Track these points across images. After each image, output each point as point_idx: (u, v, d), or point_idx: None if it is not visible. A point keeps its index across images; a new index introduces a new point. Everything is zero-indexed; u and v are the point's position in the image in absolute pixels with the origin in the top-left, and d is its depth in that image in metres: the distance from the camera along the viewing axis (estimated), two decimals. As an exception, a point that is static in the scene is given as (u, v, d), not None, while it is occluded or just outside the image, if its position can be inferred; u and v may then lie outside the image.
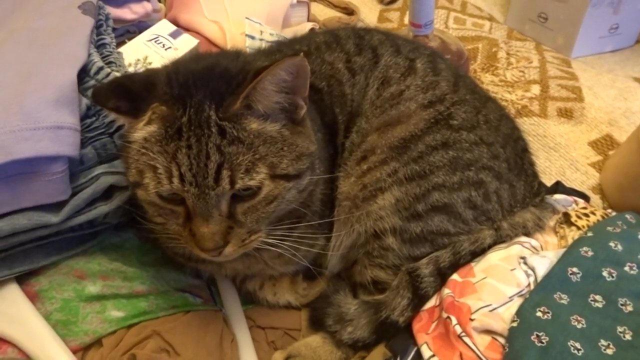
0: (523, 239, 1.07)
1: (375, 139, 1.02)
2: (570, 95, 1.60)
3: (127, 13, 1.55)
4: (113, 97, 0.78)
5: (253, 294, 1.08)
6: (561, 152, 1.46)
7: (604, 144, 1.47)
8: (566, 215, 1.19)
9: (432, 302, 1.01)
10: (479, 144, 1.05)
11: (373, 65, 1.10)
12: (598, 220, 1.17)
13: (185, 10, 1.69)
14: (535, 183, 1.16)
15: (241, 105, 0.77)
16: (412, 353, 0.96)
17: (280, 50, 1.14)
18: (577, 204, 1.23)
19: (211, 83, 0.80)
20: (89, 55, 0.99)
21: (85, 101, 0.94)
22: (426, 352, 0.93)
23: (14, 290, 0.91)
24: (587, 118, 1.53)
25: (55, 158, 0.84)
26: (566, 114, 1.55)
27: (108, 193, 0.94)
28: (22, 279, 0.94)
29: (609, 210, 1.21)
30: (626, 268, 0.96)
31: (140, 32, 1.50)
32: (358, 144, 1.03)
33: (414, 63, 1.11)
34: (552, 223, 1.18)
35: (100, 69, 0.98)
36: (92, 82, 0.96)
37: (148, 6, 1.59)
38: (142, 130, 0.79)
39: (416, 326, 0.99)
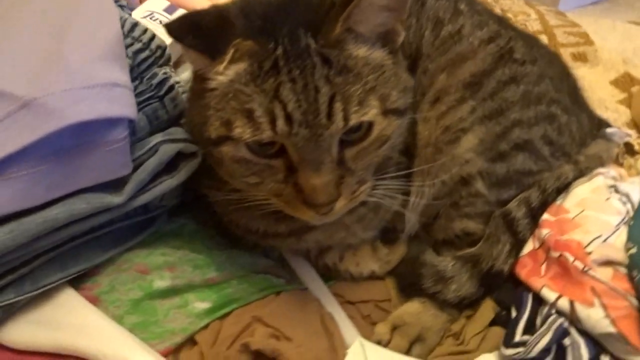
0: (602, 169, 1.02)
1: (444, 78, 0.94)
2: (579, 41, 1.59)
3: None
4: (189, 32, 0.66)
5: (333, 268, 0.96)
6: (587, 94, 1.43)
7: (625, 82, 1.47)
8: (628, 146, 1.17)
9: (529, 247, 0.93)
10: (544, 77, 1.01)
11: (420, 7, 1.03)
12: (658, 146, 1.15)
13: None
14: (595, 115, 1.12)
15: (342, 28, 0.67)
16: (529, 300, 0.87)
17: None
18: (630, 136, 1.20)
19: (296, 12, 0.69)
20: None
21: (127, 60, 0.79)
22: (549, 294, 0.84)
23: (72, 296, 0.75)
24: (602, 60, 1.53)
25: (115, 122, 0.69)
26: (581, 58, 1.54)
27: (170, 165, 0.79)
28: (74, 284, 0.77)
29: (659, 138, 1.20)
30: None
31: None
32: (427, 85, 0.95)
33: (457, 4, 1.05)
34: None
35: (135, 25, 0.83)
36: (129, 40, 0.81)
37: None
38: (225, 73, 0.68)
39: (523, 272, 0.90)
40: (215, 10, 0.71)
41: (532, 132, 0.95)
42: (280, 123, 0.64)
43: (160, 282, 0.80)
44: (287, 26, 0.67)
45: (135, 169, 0.75)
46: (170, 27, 0.66)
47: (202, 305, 0.78)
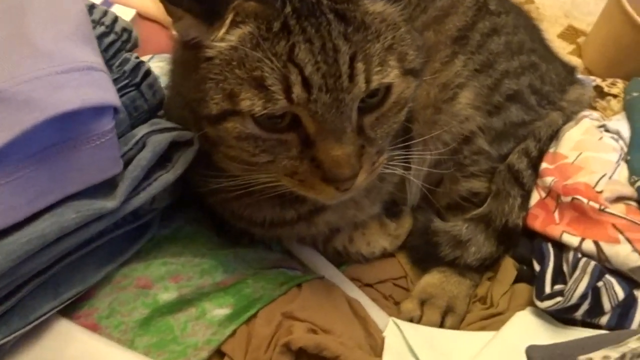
0: (585, 112, 1.03)
1: (432, 35, 0.90)
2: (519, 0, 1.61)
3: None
4: None
5: (343, 252, 0.89)
6: (539, 49, 1.46)
7: (570, 34, 1.51)
8: (597, 88, 1.19)
9: (535, 197, 0.92)
10: (518, 27, 1.01)
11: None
12: (624, 87, 1.18)
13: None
14: (565, 62, 1.13)
15: None
16: (551, 250, 0.85)
17: None
18: (595, 80, 1.23)
19: None
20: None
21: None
22: (571, 239, 0.83)
23: (69, 328, 0.63)
24: (546, 15, 1.57)
25: (100, 111, 0.59)
26: (525, 15, 1.56)
27: (163, 159, 0.69)
28: (67, 311, 0.65)
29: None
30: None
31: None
32: None
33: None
34: (585, 99, 1.15)
35: (92, 7, 0.72)
36: (102, 28, 0.70)
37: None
38: (227, 38, 0.59)
39: (537, 223, 0.88)
40: None
41: (520, 81, 0.94)
42: (297, 89, 0.56)
43: (166, 295, 0.70)
44: None
45: (126, 166, 0.64)
46: None
47: (222, 312, 0.69)
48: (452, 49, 0.89)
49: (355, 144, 0.61)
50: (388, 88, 0.63)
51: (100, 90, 0.58)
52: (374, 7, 0.62)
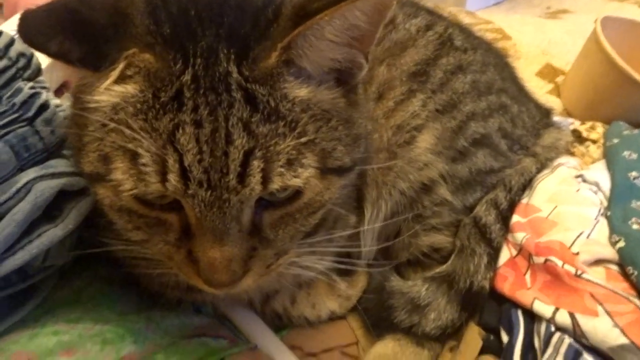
0: (562, 160, 0.95)
1: (385, 70, 0.81)
2: (496, 36, 1.56)
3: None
4: (59, 33, 0.44)
5: (284, 315, 0.77)
6: (516, 87, 1.39)
7: (549, 73, 1.45)
8: (575, 133, 1.10)
9: (505, 255, 0.81)
10: (487, 65, 0.93)
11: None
12: (604, 131, 1.10)
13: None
14: (540, 103, 1.05)
15: (279, 59, 0.48)
16: (521, 318, 0.74)
17: None
18: (573, 124, 1.15)
19: (226, 17, 0.50)
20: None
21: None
22: (544, 308, 0.72)
23: None
24: (523, 53, 1.51)
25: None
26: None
27: (52, 210, 0.57)
28: None
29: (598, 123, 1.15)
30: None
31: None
32: (367, 81, 0.81)
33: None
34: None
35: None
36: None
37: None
38: (110, 92, 0.47)
39: (505, 287, 0.78)
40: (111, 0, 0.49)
41: (488, 124, 0.85)
42: (173, 178, 0.45)
43: (54, 375, 0.57)
44: (208, 37, 0.48)
45: (0, 220, 0.52)
46: (25, 24, 0.44)
47: (117, 399, 0.56)
48: (409, 85, 0.80)
49: (242, 247, 0.50)
50: (301, 187, 0.50)
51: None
52: (298, 92, 0.50)
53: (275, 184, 0.47)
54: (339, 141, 0.52)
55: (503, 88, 0.92)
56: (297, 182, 0.48)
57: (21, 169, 0.59)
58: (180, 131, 0.45)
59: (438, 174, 0.79)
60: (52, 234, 0.55)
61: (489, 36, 1.56)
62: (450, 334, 0.77)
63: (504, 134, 0.88)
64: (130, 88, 0.46)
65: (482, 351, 0.75)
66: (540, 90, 1.39)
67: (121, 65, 0.46)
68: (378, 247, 0.83)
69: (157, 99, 0.46)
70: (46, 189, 0.55)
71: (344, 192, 0.66)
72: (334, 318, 0.80)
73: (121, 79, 0.47)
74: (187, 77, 0.46)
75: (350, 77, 0.55)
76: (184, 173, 0.45)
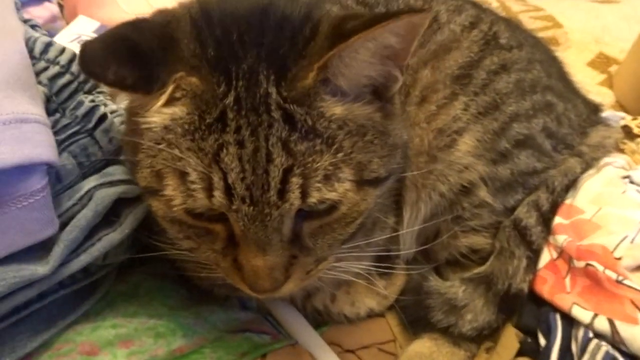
0: (609, 159, 0.93)
1: (430, 73, 0.81)
2: (547, 24, 1.51)
3: (26, 19, 1.19)
4: (114, 61, 0.48)
5: (324, 312, 0.81)
6: (567, 78, 1.35)
7: (601, 62, 1.40)
8: (625, 129, 1.07)
9: (546, 258, 0.81)
10: (533, 62, 0.91)
11: (389, -4, 0.90)
12: (657, 127, 1.06)
13: (96, 7, 1.36)
14: (589, 100, 1.02)
15: (316, 78, 0.51)
16: (559, 322, 0.74)
17: None
18: (624, 118, 1.11)
19: (266, 37, 0.53)
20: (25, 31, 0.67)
21: (41, 89, 0.62)
22: (582, 313, 0.72)
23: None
24: (574, 41, 1.46)
25: (27, 169, 0.52)
26: (552, 42, 1.46)
27: (110, 215, 0.62)
28: (-2, 382, 0.59)
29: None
30: None
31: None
32: (410, 84, 0.81)
33: (428, -11, 0.92)
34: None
35: (49, 45, 0.66)
36: (43, 63, 0.65)
37: (53, 8, 1.25)
38: (161, 114, 0.51)
39: (545, 290, 0.78)
40: (159, 23, 0.53)
41: (532, 125, 0.84)
42: (218, 194, 0.49)
43: (115, 363, 0.63)
44: (249, 59, 0.51)
45: (65, 225, 0.58)
46: (86, 57, 0.48)
47: (168, 388, 0.61)
48: (452, 89, 0.80)
49: (283, 256, 0.54)
50: (339, 200, 0.53)
51: (28, 145, 0.52)
52: (334, 110, 0.52)
53: (313, 198, 0.50)
54: (375, 153, 0.55)
55: (549, 85, 0.91)
56: (334, 195, 0.51)
57: (84, 176, 0.64)
58: (225, 151, 0.48)
59: (478, 177, 0.79)
60: (111, 237, 0.61)
61: (538, 24, 1.53)
62: (487, 335, 0.78)
63: (549, 134, 0.87)
64: (178, 110, 0.50)
65: (519, 353, 0.76)
66: (591, 81, 1.35)
67: (170, 89, 0.50)
68: (417, 249, 0.85)
69: (203, 121, 0.49)
70: (105, 197, 0.60)
71: (382, 198, 0.69)
72: (372, 316, 0.82)
73: (170, 102, 0.50)
74: (230, 99, 0.49)
75: (386, 89, 0.57)
76: (228, 190, 0.49)
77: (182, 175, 0.49)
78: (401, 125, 0.62)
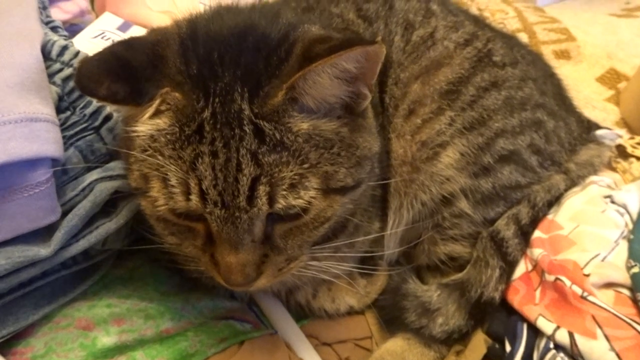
0: (595, 178, 0.95)
1: (419, 87, 0.85)
2: (560, 37, 1.51)
3: (56, 13, 1.27)
4: (107, 78, 0.54)
5: (306, 306, 0.86)
6: (572, 93, 1.35)
7: (611, 78, 1.39)
8: (620, 148, 1.08)
9: (521, 269, 0.84)
10: (526, 80, 0.93)
11: (389, 10, 0.94)
12: (653, 148, 1.07)
13: (123, 5, 1.43)
14: (583, 118, 1.04)
15: (284, 97, 0.56)
16: (524, 331, 0.78)
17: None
18: (621, 137, 1.12)
19: (243, 57, 0.58)
20: (45, 33, 0.74)
21: (54, 89, 0.69)
22: (546, 325, 0.76)
23: (-2, 365, 0.64)
24: (586, 55, 1.45)
25: (34, 163, 0.59)
26: (563, 55, 1.46)
27: (108, 206, 0.69)
28: (3, 348, 0.67)
29: (652, 138, 1.12)
30: None
31: (73, 35, 1.23)
32: (400, 97, 0.86)
33: (429, 5, 0.96)
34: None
35: (65, 48, 0.73)
36: (58, 65, 0.72)
37: (82, 3, 1.33)
38: (148, 124, 0.58)
39: (515, 300, 0.82)
40: (151, 42, 0.59)
41: (518, 141, 0.87)
42: (195, 198, 0.55)
43: (106, 339, 0.70)
44: (226, 77, 0.57)
45: (67, 213, 0.65)
46: (81, 76, 0.54)
47: (153, 365, 0.68)
48: (439, 104, 0.83)
49: (255, 254, 0.60)
50: (306, 206, 0.59)
51: (36, 142, 0.59)
52: (301, 125, 0.57)
53: (280, 204, 0.56)
54: (341, 164, 0.60)
55: (541, 103, 0.93)
56: (300, 202, 0.57)
57: (89, 169, 0.71)
58: (200, 160, 0.54)
59: (459, 188, 0.83)
60: (107, 227, 0.68)
61: (552, 37, 1.54)
62: (457, 339, 0.82)
63: (536, 150, 0.90)
64: (162, 122, 0.56)
65: (486, 358, 0.81)
66: (599, 96, 1.34)
67: (156, 102, 0.56)
68: (400, 250, 0.90)
69: (183, 132, 0.55)
70: (104, 189, 0.66)
71: (363, 204, 0.74)
72: (352, 313, 0.88)
73: (156, 114, 0.57)
74: (207, 113, 0.55)
75: (356, 105, 0.62)
76: (203, 194, 0.55)
77: (165, 179, 0.56)
78: (373, 137, 0.67)
